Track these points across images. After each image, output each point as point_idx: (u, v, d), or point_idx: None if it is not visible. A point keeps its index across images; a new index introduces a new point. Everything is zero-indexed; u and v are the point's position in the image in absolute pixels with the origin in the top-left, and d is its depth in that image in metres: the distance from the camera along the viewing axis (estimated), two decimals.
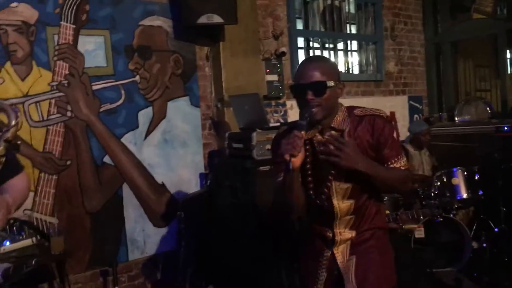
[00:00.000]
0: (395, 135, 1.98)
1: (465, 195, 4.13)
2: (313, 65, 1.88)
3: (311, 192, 1.95)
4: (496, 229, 4.14)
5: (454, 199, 4.14)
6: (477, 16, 5.93)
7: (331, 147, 1.77)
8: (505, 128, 4.06)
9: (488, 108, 5.43)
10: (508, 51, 6.13)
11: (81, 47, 3.52)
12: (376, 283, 1.92)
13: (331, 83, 1.84)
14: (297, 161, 1.75)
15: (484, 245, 4.11)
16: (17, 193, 1.89)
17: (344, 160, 1.76)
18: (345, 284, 1.93)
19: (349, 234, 1.96)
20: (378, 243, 1.98)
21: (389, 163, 1.91)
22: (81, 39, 3.52)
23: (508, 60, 6.33)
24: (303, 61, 1.98)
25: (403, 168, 1.91)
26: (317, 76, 1.83)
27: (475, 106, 5.54)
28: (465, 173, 4.17)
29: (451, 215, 4.12)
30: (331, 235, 1.96)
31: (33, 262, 2.48)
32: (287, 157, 1.69)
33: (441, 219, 3.96)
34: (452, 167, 4.29)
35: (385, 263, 1.98)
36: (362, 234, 1.96)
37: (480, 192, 4.15)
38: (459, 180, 4.14)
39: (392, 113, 5.61)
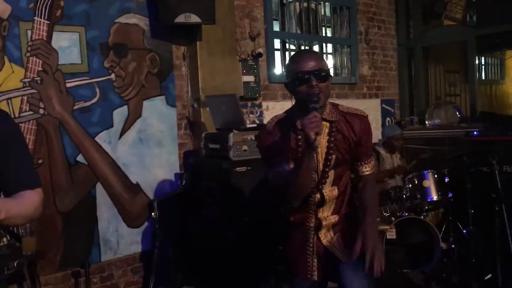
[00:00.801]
0: (371, 135, 2.18)
1: (435, 197, 4.23)
2: (312, 55, 2.03)
3: None
4: (464, 231, 4.26)
5: (424, 201, 4.24)
6: (448, 22, 6.09)
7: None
8: (475, 132, 4.18)
9: (457, 113, 5.57)
10: (477, 57, 6.32)
11: (55, 43, 3.44)
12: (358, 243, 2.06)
13: (330, 71, 2.02)
14: (320, 138, 1.90)
15: (453, 246, 4.22)
16: (18, 208, 1.46)
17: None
18: (336, 256, 2.09)
19: (333, 218, 2.12)
20: (353, 221, 2.15)
21: (362, 161, 2.15)
22: (56, 35, 3.44)
23: (477, 66, 6.53)
24: (298, 53, 2.17)
25: (368, 171, 2.16)
26: (319, 64, 1.96)
27: (445, 110, 5.67)
28: (436, 176, 4.27)
29: (422, 217, 4.21)
30: (315, 221, 2.09)
31: (15, 264, 2.39)
32: (312, 135, 1.74)
33: (413, 221, 4.06)
34: (423, 170, 4.39)
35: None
36: (342, 217, 2.14)
37: (450, 195, 4.26)
38: (429, 182, 4.23)
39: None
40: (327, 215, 2.12)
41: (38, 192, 1.55)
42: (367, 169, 2.17)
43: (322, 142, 2.03)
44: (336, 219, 2.13)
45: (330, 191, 2.09)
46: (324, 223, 2.10)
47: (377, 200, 2.21)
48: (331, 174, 2.07)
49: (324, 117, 2.01)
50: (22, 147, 1.61)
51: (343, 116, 2.08)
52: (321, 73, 1.94)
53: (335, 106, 2.12)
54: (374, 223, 2.11)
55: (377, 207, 2.11)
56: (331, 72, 2.07)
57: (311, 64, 1.95)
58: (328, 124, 2.06)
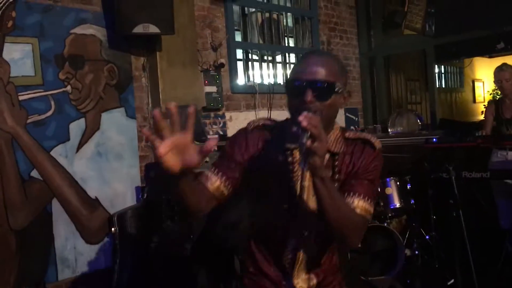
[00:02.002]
0: (376, 176, 1.56)
1: (398, 204, 4.26)
2: (321, 59, 1.50)
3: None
4: (427, 237, 4.30)
5: (388, 208, 4.26)
6: (407, 32, 6.23)
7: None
8: (434, 139, 4.24)
9: (418, 120, 5.68)
10: (436, 66, 6.47)
11: (6, 55, 3.32)
12: None
13: (338, 87, 1.46)
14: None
15: (416, 252, 4.26)
16: None
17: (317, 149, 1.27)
18: None
19: (311, 280, 1.62)
20: (341, 285, 1.71)
21: (351, 194, 1.49)
22: (7, 46, 3.32)
23: (437, 74, 6.68)
24: (308, 53, 1.58)
25: (358, 211, 1.47)
26: (322, 74, 1.45)
27: (406, 118, 5.77)
28: (398, 183, 4.31)
29: (386, 224, 4.24)
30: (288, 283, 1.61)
31: None
32: (305, 123, 1.24)
33: (377, 228, 4.07)
34: (386, 177, 4.43)
35: None
36: (325, 279, 1.65)
37: (412, 201, 4.30)
38: (392, 189, 4.26)
39: None
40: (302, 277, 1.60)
41: None
42: (354, 204, 1.48)
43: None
44: (314, 282, 1.61)
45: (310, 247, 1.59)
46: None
47: (347, 211, 1.45)
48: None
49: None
50: None
51: (349, 145, 1.56)
52: (323, 87, 1.43)
53: (343, 132, 1.59)
54: (334, 187, 1.46)
55: (343, 204, 1.44)
56: (339, 88, 1.48)
57: (312, 71, 1.44)
58: (327, 156, 1.51)
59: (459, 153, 4.27)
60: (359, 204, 1.48)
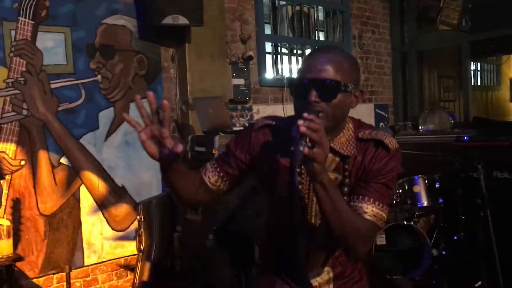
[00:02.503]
0: (390, 179, 1.43)
1: (425, 203, 4.17)
2: (328, 56, 1.39)
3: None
4: (455, 237, 4.20)
5: (415, 206, 4.18)
6: (442, 27, 6.06)
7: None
8: (465, 137, 4.13)
9: (450, 118, 5.53)
10: (472, 63, 6.29)
11: (39, 44, 3.40)
12: None
13: (346, 86, 1.37)
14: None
15: (444, 252, 4.16)
16: None
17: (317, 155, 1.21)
18: None
19: (328, 273, 1.56)
20: (362, 277, 1.63)
21: (359, 199, 1.39)
22: (40, 35, 3.40)
23: (472, 72, 6.50)
24: (316, 49, 1.50)
25: (367, 217, 1.36)
26: (329, 72, 1.35)
27: (438, 115, 5.63)
28: (426, 181, 4.22)
29: (412, 223, 4.16)
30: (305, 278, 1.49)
31: None
32: (303, 128, 1.17)
33: (403, 227, 4.00)
34: (414, 175, 4.34)
35: None
36: (343, 272, 1.58)
37: (440, 200, 4.20)
38: (420, 188, 4.17)
39: None
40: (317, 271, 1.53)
41: None
42: (363, 209, 1.37)
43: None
44: (330, 275, 1.54)
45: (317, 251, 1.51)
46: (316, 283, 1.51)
47: (351, 217, 1.34)
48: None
49: (333, 146, 1.41)
50: None
51: (362, 147, 1.44)
52: (328, 85, 1.34)
53: (357, 132, 1.47)
54: (338, 191, 1.35)
55: (346, 210, 1.34)
56: (348, 86, 1.38)
57: (317, 69, 1.35)
58: (337, 159, 1.44)
59: (490, 152, 4.15)
60: (369, 209, 1.36)
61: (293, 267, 1.54)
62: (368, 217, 1.36)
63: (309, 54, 1.47)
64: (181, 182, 1.46)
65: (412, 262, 4.04)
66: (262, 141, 1.52)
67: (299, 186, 1.46)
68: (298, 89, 1.40)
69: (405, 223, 4.06)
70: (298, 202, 1.41)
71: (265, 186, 1.57)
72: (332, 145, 1.40)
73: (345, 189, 1.43)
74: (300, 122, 1.19)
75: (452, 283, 3.91)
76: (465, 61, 5.81)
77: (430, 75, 6.60)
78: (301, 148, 1.18)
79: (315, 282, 1.51)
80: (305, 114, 1.21)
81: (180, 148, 1.27)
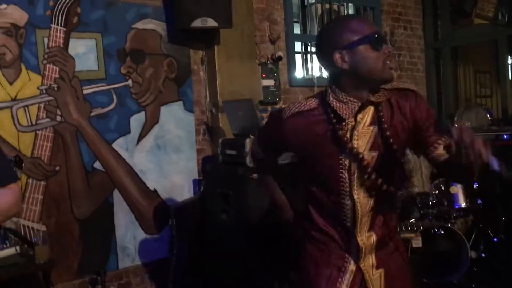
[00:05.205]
0: (434, 113, 1.67)
1: (463, 204, 4.04)
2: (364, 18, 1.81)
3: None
4: (495, 239, 4.06)
5: (452, 208, 4.05)
6: (478, 21, 5.86)
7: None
8: (505, 136, 3.99)
9: (488, 115, 5.34)
10: (509, 57, 6.06)
11: (72, 50, 3.45)
12: None
13: None
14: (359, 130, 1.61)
15: (483, 255, 4.03)
16: None
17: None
18: None
19: (371, 237, 1.68)
20: (398, 245, 1.76)
21: (435, 146, 1.60)
22: (72, 42, 3.45)
23: (509, 66, 6.27)
24: (350, 17, 1.86)
25: (444, 154, 1.57)
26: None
27: (475, 112, 5.44)
28: None
29: (449, 225, 4.03)
30: (352, 240, 1.67)
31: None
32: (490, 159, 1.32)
33: (439, 229, 3.89)
34: None
35: (408, 267, 1.79)
36: (383, 238, 1.70)
37: (479, 201, 4.06)
38: (457, 189, 4.05)
39: None
40: (365, 233, 1.67)
41: (11, 188, 1.52)
42: (442, 152, 1.58)
43: (363, 133, 1.59)
44: (374, 238, 1.68)
45: (365, 198, 1.65)
46: (361, 244, 1.66)
47: None
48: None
49: (370, 98, 1.58)
50: None
51: (387, 94, 1.61)
52: (384, 37, 1.71)
53: None
54: None
55: None
56: None
57: (377, 29, 1.57)
58: (372, 108, 1.60)
59: None
60: (447, 144, 1.52)
61: (340, 230, 1.68)
62: (445, 155, 1.58)
63: (351, 20, 1.64)
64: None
65: (450, 265, 3.93)
66: (295, 128, 1.64)
67: (341, 161, 1.61)
68: (378, 42, 1.52)
69: (442, 225, 3.95)
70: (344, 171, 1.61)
71: (305, 161, 1.70)
72: (369, 98, 1.58)
73: (387, 133, 1.58)
74: (478, 147, 1.31)
75: (492, 286, 3.78)
76: (502, 56, 5.60)
77: (465, 71, 6.40)
78: (500, 168, 1.35)
79: (361, 243, 1.66)
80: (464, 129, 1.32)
81: None
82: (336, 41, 1.54)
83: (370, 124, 1.60)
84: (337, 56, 1.53)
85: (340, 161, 1.61)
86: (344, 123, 1.59)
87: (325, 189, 1.67)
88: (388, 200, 1.69)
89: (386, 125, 1.58)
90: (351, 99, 1.56)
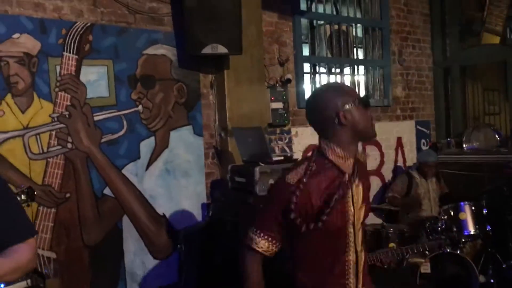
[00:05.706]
0: None
1: (472, 231, 4.03)
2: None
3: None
4: (504, 265, 4.04)
5: (461, 234, 4.04)
6: (486, 37, 5.84)
7: None
8: None
9: (497, 136, 5.33)
10: None
11: (83, 77, 3.47)
12: None
13: None
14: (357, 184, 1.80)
15: (492, 280, 4.01)
16: (9, 265, 1.45)
17: None
18: None
19: None
20: None
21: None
22: (84, 69, 3.47)
23: None
24: (338, 83, 2.03)
25: None
26: None
27: (483, 133, 5.44)
28: (473, 207, 4.08)
29: (458, 251, 4.02)
30: None
31: None
32: None
33: (448, 255, 3.88)
34: (460, 196, 4.21)
35: None
36: None
37: (488, 228, 4.05)
38: (466, 215, 4.04)
39: (399, 139, 5.55)
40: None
41: (29, 244, 1.52)
42: None
43: (357, 189, 1.76)
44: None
45: (361, 252, 1.79)
46: None
47: None
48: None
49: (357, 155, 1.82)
50: (8, 199, 1.56)
51: None
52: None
53: None
54: None
55: None
56: None
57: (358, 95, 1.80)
58: (352, 162, 1.80)
59: None
60: None
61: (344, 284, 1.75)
62: None
63: (344, 86, 1.97)
64: None
65: None
66: (304, 196, 1.67)
67: (349, 211, 1.72)
68: (363, 103, 1.73)
69: (450, 251, 3.93)
70: (351, 226, 1.72)
71: (308, 223, 1.69)
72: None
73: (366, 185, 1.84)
74: None
75: None
76: (511, 75, 5.59)
77: (473, 88, 6.38)
78: None
79: None
80: None
81: None
82: (336, 103, 1.71)
83: (359, 178, 1.78)
84: (341, 114, 1.70)
85: (349, 215, 1.73)
86: (345, 179, 1.72)
87: (328, 248, 1.72)
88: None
89: (365, 179, 1.83)
90: (347, 154, 1.72)
